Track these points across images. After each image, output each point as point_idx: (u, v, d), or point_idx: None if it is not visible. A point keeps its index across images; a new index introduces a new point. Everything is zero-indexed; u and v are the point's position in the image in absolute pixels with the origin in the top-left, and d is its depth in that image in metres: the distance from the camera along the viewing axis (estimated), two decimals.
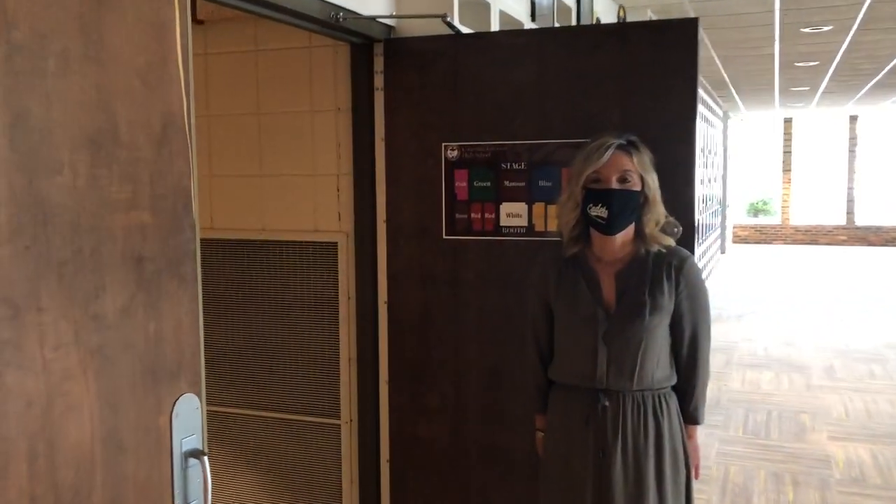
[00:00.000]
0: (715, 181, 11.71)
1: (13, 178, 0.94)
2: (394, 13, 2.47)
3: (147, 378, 1.17)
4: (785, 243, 15.62)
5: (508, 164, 2.42)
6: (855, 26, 5.96)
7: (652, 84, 2.23)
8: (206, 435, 1.33)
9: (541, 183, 2.39)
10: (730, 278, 10.92)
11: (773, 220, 16.82)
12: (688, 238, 2.14)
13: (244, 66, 2.78)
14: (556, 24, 3.28)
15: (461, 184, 2.48)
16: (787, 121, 15.68)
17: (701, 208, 9.07)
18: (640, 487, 1.87)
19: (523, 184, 2.41)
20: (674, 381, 1.94)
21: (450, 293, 2.51)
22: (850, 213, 15.46)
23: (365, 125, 2.59)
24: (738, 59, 7.58)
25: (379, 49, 2.51)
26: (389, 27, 2.52)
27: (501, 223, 2.45)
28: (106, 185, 1.10)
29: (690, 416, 1.97)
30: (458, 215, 2.49)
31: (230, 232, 2.82)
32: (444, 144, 2.49)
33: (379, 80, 2.53)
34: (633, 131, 1.93)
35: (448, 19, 2.25)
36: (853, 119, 15.36)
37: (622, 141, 1.88)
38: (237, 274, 2.83)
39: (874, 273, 11.62)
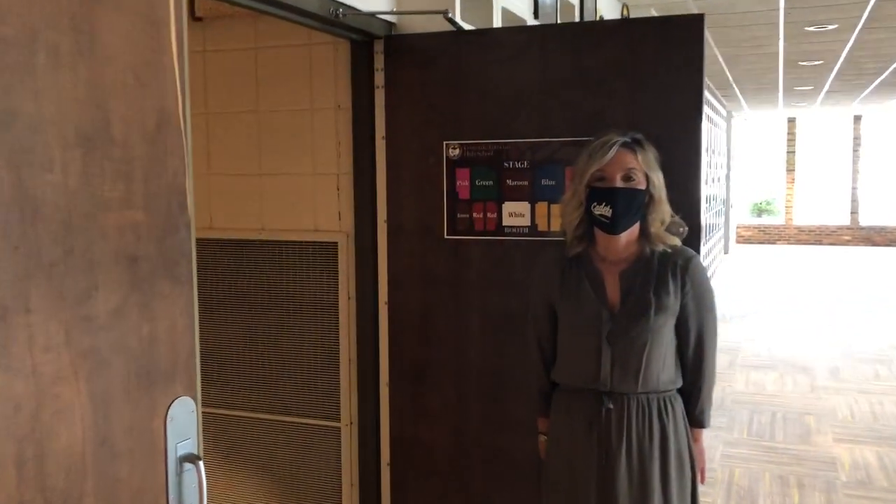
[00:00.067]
0: (718, 181, 11.69)
1: (1, 175, 0.93)
2: (394, 9, 2.45)
3: (141, 381, 1.15)
4: (788, 243, 15.61)
5: (511, 163, 2.40)
6: (860, 25, 5.93)
7: (657, 81, 2.20)
8: (201, 439, 1.32)
9: (544, 182, 2.37)
10: (733, 279, 10.88)
11: (776, 220, 16.79)
12: (694, 238, 2.11)
13: (243, 64, 2.76)
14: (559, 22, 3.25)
15: (463, 183, 2.45)
16: (791, 120, 15.66)
17: (704, 208, 9.03)
18: (645, 492, 1.84)
19: (526, 183, 2.38)
20: (679, 383, 1.91)
21: (451, 294, 2.49)
22: (854, 213, 15.44)
23: (365, 123, 2.57)
24: (742, 58, 7.55)
25: (379, 46, 2.49)
26: (390, 24, 2.50)
27: (504, 223, 2.43)
28: (98, 184, 1.08)
29: (696, 420, 1.94)
30: (459, 215, 2.47)
31: (229, 232, 2.80)
32: (445, 143, 2.46)
33: (379, 78, 2.51)
34: (637, 129, 1.90)
35: (449, 15, 2.22)
36: (857, 119, 15.33)
37: (627, 138, 1.85)
38: (236, 274, 2.81)
39: (879, 273, 11.60)
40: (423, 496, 2.60)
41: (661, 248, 1.88)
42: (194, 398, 1.26)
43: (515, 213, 2.41)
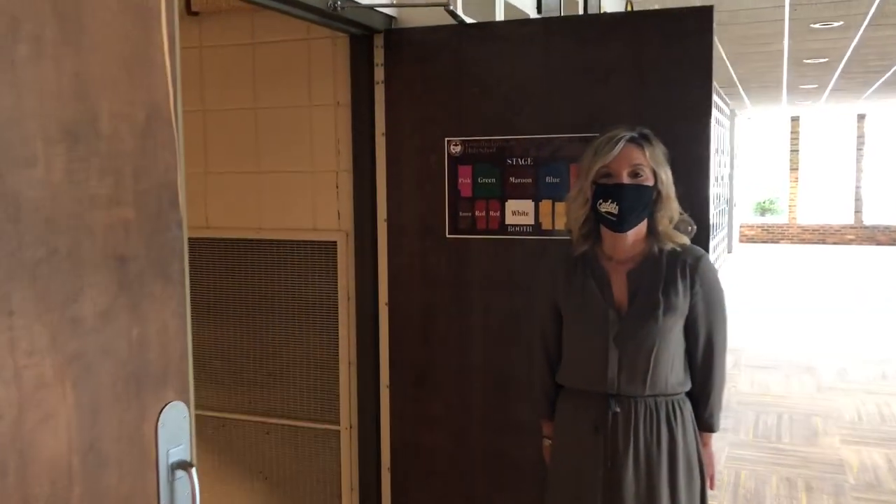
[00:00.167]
0: (722, 180, 11.67)
1: None
2: (394, 2, 2.41)
3: (130, 385, 1.12)
4: (792, 243, 15.63)
5: (514, 160, 2.36)
6: (866, 22, 5.90)
7: (664, 75, 2.16)
8: (194, 445, 1.29)
9: (548, 179, 2.33)
10: (737, 278, 10.84)
11: (780, 219, 16.78)
12: (702, 237, 2.07)
13: (240, 60, 2.73)
14: None
15: (465, 180, 2.42)
16: (795, 119, 15.65)
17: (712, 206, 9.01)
18: (653, 499, 1.80)
19: (530, 180, 2.35)
20: (688, 386, 1.87)
21: (453, 294, 2.45)
22: (858, 212, 15.44)
23: (365, 120, 2.53)
24: (747, 56, 7.52)
25: (379, 40, 2.46)
26: (390, 17, 2.46)
27: (507, 221, 2.39)
28: (84, 180, 1.04)
29: (705, 423, 1.89)
30: (461, 213, 2.43)
31: (226, 231, 2.77)
32: (447, 139, 2.43)
33: (379, 73, 2.47)
34: (644, 124, 1.86)
35: (451, 8, 2.18)
36: (861, 117, 15.32)
37: (634, 134, 1.81)
38: (233, 274, 2.78)
39: (883, 273, 11.59)
40: (424, 501, 2.57)
41: (669, 246, 1.83)
42: (187, 402, 1.24)
43: (519, 212, 2.37)
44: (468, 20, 2.45)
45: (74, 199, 1.02)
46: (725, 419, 4.70)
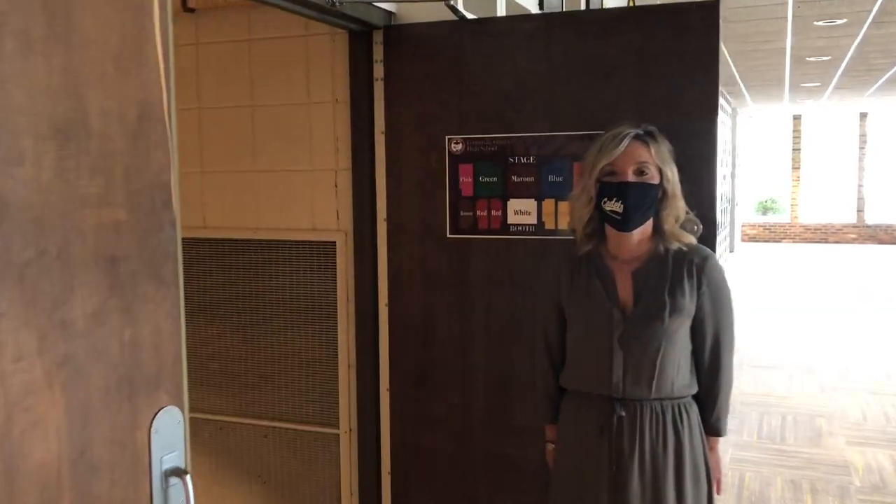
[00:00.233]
0: (724, 179, 11.64)
1: None
2: None
3: (123, 390, 1.10)
4: (794, 242, 15.66)
5: (516, 158, 2.33)
6: (869, 19, 5.87)
7: (669, 71, 2.12)
8: (188, 451, 1.26)
9: (551, 178, 2.30)
10: (739, 277, 10.82)
11: (782, 218, 16.78)
12: (709, 236, 2.03)
13: (237, 57, 2.70)
14: None
15: (466, 179, 2.39)
16: (797, 118, 15.66)
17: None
18: None
19: (532, 179, 2.32)
20: (694, 389, 1.84)
21: (454, 295, 2.43)
22: (860, 211, 15.45)
23: (364, 118, 2.50)
24: (749, 54, 7.49)
25: (378, 37, 2.43)
26: (390, 13, 2.44)
27: (509, 221, 2.36)
28: (74, 179, 1.02)
29: (712, 427, 1.86)
30: (462, 213, 2.40)
31: (223, 231, 2.75)
32: (447, 137, 2.40)
33: (379, 70, 2.45)
34: (649, 121, 1.83)
35: (451, 3, 2.15)
36: (863, 116, 15.31)
37: (639, 131, 1.78)
38: (230, 275, 2.76)
39: (885, 272, 11.59)
40: None
41: (675, 246, 1.80)
42: (181, 407, 1.21)
43: (521, 211, 2.34)
44: (469, 16, 2.42)
45: (64, 198, 1.00)
46: (730, 420, 4.66)
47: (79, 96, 1.02)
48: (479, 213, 2.38)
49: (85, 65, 1.03)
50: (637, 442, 1.76)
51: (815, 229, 15.60)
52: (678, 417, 1.79)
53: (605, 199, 1.76)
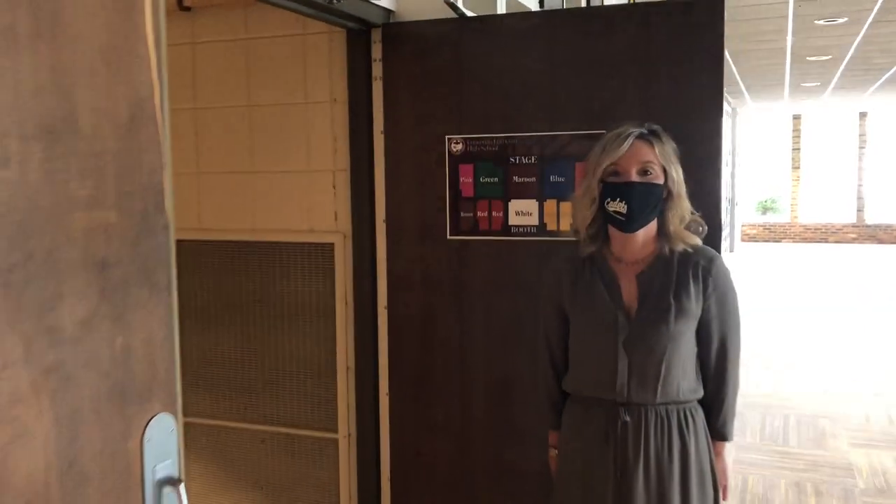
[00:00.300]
0: (724, 178, 11.64)
1: None
2: None
3: (114, 398, 1.07)
4: (794, 241, 15.67)
5: (517, 158, 2.30)
6: (870, 18, 5.85)
7: (674, 69, 2.09)
8: (182, 460, 1.23)
9: (553, 178, 2.28)
10: (739, 277, 10.78)
11: (781, 218, 16.80)
12: (714, 237, 2.00)
13: (234, 56, 2.68)
14: None
15: (466, 180, 2.36)
16: (797, 117, 15.67)
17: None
18: None
19: (534, 179, 2.29)
20: (700, 393, 1.80)
21: (455, 298, 2.40)
22: (860, 210, 15.47)
23: (362, 117, 2.48)
24: (749, 54, 7.47)
25: (377, 35, 2.41)
26: (388, 11, 2.41)
27: (510, 222, 2.33)
28: (62, 181, 0.99)
29: (718, 433, 1.82)
30: (463, 214, 2.38)
31: (219, 233, 2.73)
32: (447, 137, 2.37)
33: (377, 69, 2.42)
34: (653, 120, 1.80)
35: (451, 0, 2.11)
36: (862, 116, 15.33)
37: (643, 130, 1.74)
38: (226, 277, 2.74)
39: (886, 271, 11.58)
40: None
41: (680, 247, 1.76)
42: (175, 415, 1.19)
43: (522, 212, 2.32)
44: (469, 13, 2.39)
45: (51, 200, 0.97)
46: None
47: (67, 95, 0.99)
48: (479, 214, 2.36)
49: (73, 62, 1.00)
50: (642, 448, 1.73)
51: (815, 229, 15.62)
52: (684, 422, 1.75)
53: (609, 200, 1.72)
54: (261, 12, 2.58)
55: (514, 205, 2.32)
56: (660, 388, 1.73)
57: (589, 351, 1.80)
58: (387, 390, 2.52)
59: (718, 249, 1.97)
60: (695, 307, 1.74)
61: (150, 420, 1.11)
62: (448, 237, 2.40)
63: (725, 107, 11.61)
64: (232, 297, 2.75)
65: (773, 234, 15.92)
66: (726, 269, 1.82)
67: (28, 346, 0.93)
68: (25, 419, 0.92)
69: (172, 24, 2.70)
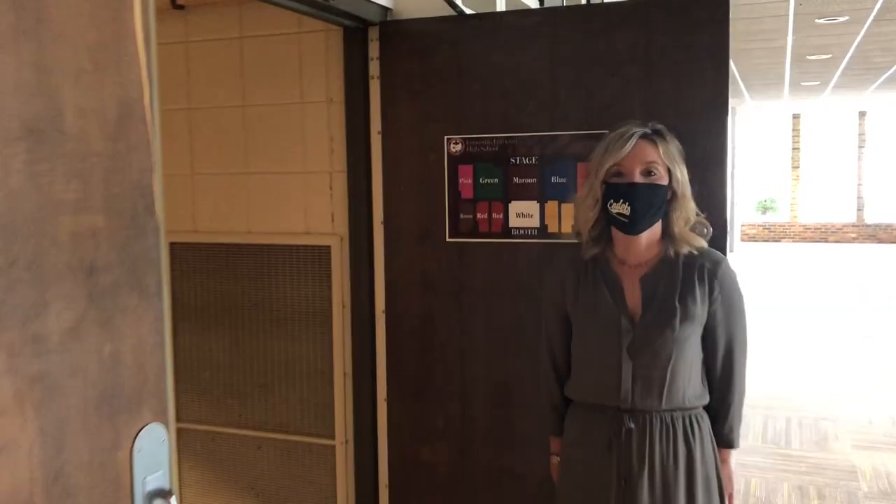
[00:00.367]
0: None
1: None
2: None
3: (102, 408, 1.04)
4: (794, 241, 15.68)
5: (518, 159, 2.27)
6: (871, 16, 5.82)
7: (677, 68, 2.05)
8: (174, 471, 1.20)
9: (554, 179, 2.24)
10: (739, 277, 10.76)
11: (781, 217, 16.81)
12: (719, 239, 1.96)
13: (228, 55, 2.65)
14: None
15: (466, 181, 2.33)
16: (796, 117, 15.69)
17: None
18: None
19: (534, 180, 2.26)
20: (706, 399, 1.77)
21: (454, 301, 2.36)
22: (859, 210, 15.49)
23: (359, 117, 2.45)
24: (749, 53, 7.44)
25: (374, 33, 2.38)
26: (385, 9, 2.38)
27: (510, 224, 2.30)
28: (48, 184, 0.97)
29: (725, 439, 1.78)
30: (462, 215, 2.35)
31: (213, 235, 2.70)
32: (446, 138, 2.34)
33: (374, 68, 2.39)
34: (657, 119, 1.77)
35: None
36: (862, 115, 15.34)
37: (646, 129, 1.71)
38: (221, 280, 2.71)
39: (886, 271, 11.58)
40: None
41: (686, 249, 1.73)
42: (166, 424, 1.16)
43: (523, 214, 2.28)
44: (468, 11, 2.35)
45: (36, 204, 0.94)
46: None
47: (52, 94, 0.97)
48: (479, 215, 2.32)
49: (58, 61, 0.97)
50: (647, 455, 1.69)
51: (815, 229, 15.65)
52: (689, 429, 1.71)
53: (612, 201, 1.68)
54: (255, 10, 2.55)
55: (515, 206, 2.29)
56: (665, 395, 1.69)
57: (592, 356, 1.77)
58: (385, 395, 2.48)
59: (724, 252, 1.93)
60: (700, 311, 1.71)
61: (139, 430, 1.09)
62: (447, 239, 2.36)
63: None
64: (227, 301, 2.72)
65: (772, 234, 15.94)
66: (733, 272, 1.79)
67: (12, 356, 0.91)
68: (9, 430, 0.90)
69: (165, 23, 2.67)
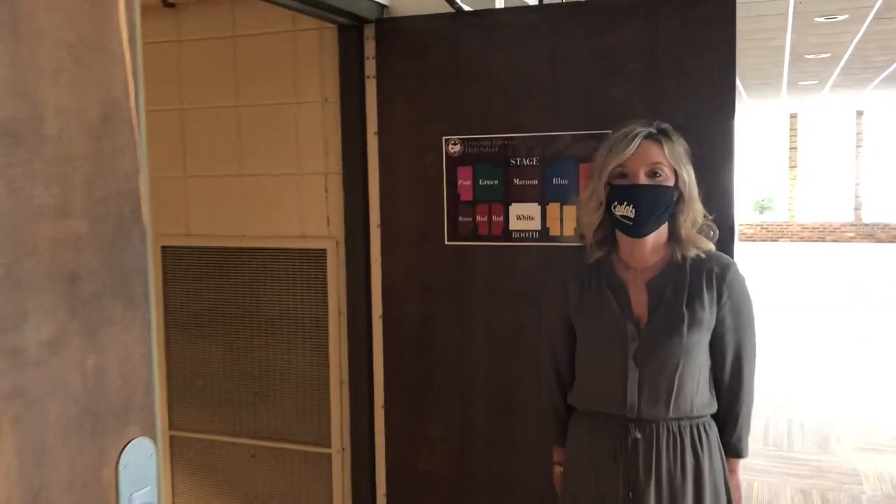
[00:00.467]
0: None
1: None
2: None
3: (85, 424, 0.99)
4: (791, 241, 15.70)
5: (518, 160, 2.22)
6: (871, 15, 5.79)
7: (683, 65, 2.00)
8: (162, 487, 1.15)
9: (555, 181, 2.20)
10: None
11: (779, 217, 16.83)
12: (727, 242, 1.91)
13: (221, 54, 2.60)
14: None
15: (465, 182, 2.29)
16: (793, 116, 15.71)
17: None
18: None
19: (535, 182, 2.22)
20: (714, 407, 1.71)
21: (453, 306, 2.32)
22: (857, 209, 15.52)
23: (355, 118, 2.40)
24: (748, 52, 7.43)
25: (370, 31, 2.34)
26: (382, 6, 2.34)
27: (511, 227, 2.26)
28: (26, 188, 0.92)
29: (733, 449, 1.74)
30: (461, 218, 2.30)
31: (207, 239, 2.66)
32: (444, 138, 2.30)
33: (370, 67, 2.35)
34: (662, 119, 1.71)
35: None
36: (859, 114, 15.37)
37: (651, 129, 1.65)
38: (215, 285, 2.67)
39: (884, 271, 11.59)
40: None
41: (693, 253, 1.68)
42: (154, 438, 1.12)
43: (524, 216, 2.24)
44: (466, 8, 2.30)
45: (13, 210, 0.90)
46: None
47: (29, 94, 0.92)
48: (478, 218, 2.28)
49: (37, 58, 0.92)
50: (653, 465, 1.64)
51: (813, 228, 15.68)
52: (697, 438, 1.66)
53: (616, 204, 1.63)
54: (248, 8, 2.51)
55: (515, 208, 2.25)
56: (672, 403, 1.64)
57: (596, 364, 1.72)
58: (382, 403, 2.44)
59: (732, 255, 1.89)
60: (709, 317, 1.66)
61: (126, 445, 1.04)
62: (446, 242, 2.32)
63: None
64: (220, 306, 2.68)
65: (770, 234, 15.97)
66: (741, 276, 1.74)
67: None
68: None
69: (156, 21, 2.62)
